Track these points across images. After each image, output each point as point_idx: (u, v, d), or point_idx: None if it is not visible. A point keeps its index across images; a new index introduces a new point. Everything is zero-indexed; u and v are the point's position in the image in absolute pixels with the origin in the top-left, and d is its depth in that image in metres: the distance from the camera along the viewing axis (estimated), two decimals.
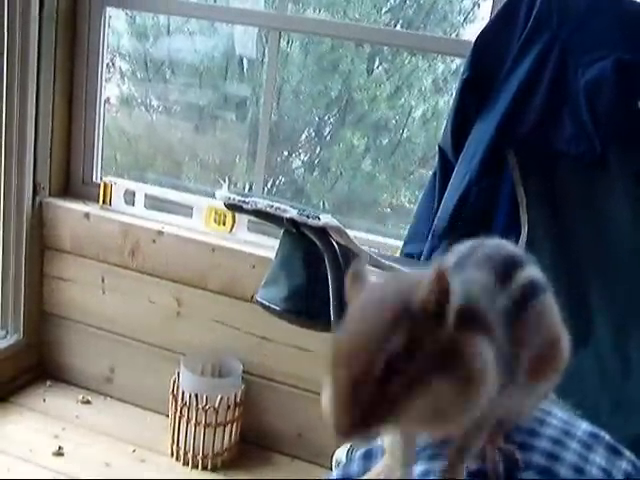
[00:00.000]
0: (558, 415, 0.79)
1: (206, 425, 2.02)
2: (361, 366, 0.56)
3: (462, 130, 1.48)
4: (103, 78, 2.29)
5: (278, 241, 1.29)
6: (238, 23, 2.34)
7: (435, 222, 1.47)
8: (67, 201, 2.29)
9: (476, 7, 2.29)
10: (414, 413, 0.57)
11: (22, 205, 2.22)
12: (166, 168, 2.64)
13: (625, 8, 1.41)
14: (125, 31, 2.53)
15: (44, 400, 2.26)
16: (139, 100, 2.67)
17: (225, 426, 2.05)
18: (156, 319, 2.22)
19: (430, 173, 1.59)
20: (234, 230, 2.14)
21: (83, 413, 2.23)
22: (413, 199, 2.37)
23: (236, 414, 2.08)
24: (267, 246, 2.03)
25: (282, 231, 1.25)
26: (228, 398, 2.04)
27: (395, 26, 2.35)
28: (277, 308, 1.22)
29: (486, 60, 1.47)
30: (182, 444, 2.05)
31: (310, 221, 1.12)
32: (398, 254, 1.65)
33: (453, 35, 2.32)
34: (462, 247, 0.69)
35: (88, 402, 2.28)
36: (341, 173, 2.53)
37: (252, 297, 1.43)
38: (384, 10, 2.38)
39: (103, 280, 2.25)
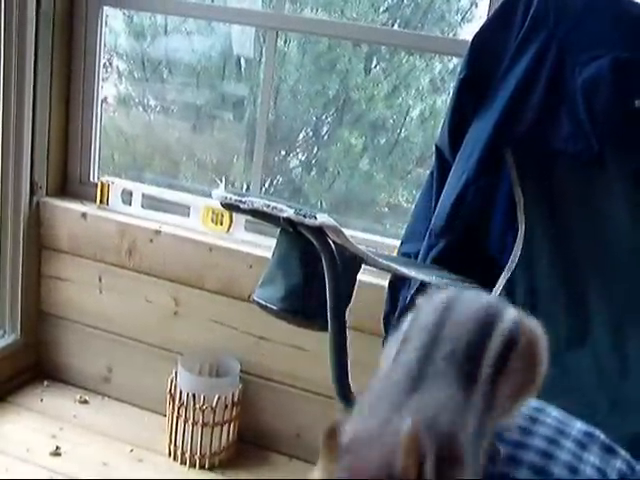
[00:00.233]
0: (553, 414, 0.79)
1: (203, 425, 2.02)
2: None
3: (459, 129, 1.48)
4: (100, 78, 2.29)
5: (275, 241, 1.29)
6: (235, 23, 2.34)
7: (432, 221, 1.47)
8: (64, 201, 2.28)
9: (473, 6, 2.28)
10: None
11: (19, 205, 2.21)
12: (163, 168, 2.64)
13: (622, 7, 1.41)
14: (122, 31, 2.53)
15: (41, 400, 2.26)
16: (136, 100, 2.67)
17: (223, 426, 2.05)
18: (153, 319, 2.22)
19: (428, 172, 1.59)
20: (231, 230, 2.13)
21: (80, 413, 2.23)
22: (411, 198, 2.37)
23: (234, 414, 2.07)
24: (264, 246, 2.02)
25: (279, 230, 1.25)
26: (226, 398, 2.03)
27: (392, 26, 2.35)
28: (274, 307, 1.22)
29: (483, 59, 1.47)
30: (180, 444, 2.05)
31: (307, 220, 1.12)
32: (395, 253, 1.65)
33: (451, 35, 2.32)
34: (424, 321, 0.68)
35: (86, 402, 2.28)
36: (339, 173, 2.53)
37: (249, 297, 1.43)
38: (381, 10, 2.38)
39: (100, 280, 2.25)
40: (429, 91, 2.45)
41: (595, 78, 1.36)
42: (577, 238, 1.38)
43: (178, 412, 2.04)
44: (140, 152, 2.70)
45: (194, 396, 2.00)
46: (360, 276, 1.27)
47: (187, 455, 2.05)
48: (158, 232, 2.16)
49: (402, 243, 1.59)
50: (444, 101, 2.32)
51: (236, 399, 2.07)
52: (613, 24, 1.40)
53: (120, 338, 2.26)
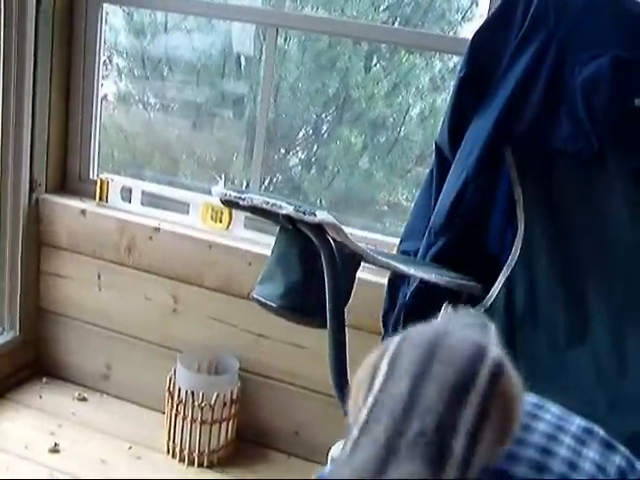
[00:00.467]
0: (552, 410, 0.79)
1: (202, 422, 2.02)
2: None
3: (459, 128, 1.48)
4: (100, 75, 2.29)
5: (274, 238, 1.29)
6: (235, 20, 2.34)
7: (432, 219, 1.47)
8: (64, 198, 2.28)
9: (474, 5, 2.28)
10: None
11: (18, 202, 2.21)
12: (163, 165, 2.64)
13: (622, 6, 1.41)
14: (122, 28, 2.53)
15: (40, 397, 2.26)
16: (136, 97, 2.67)
17: (221, 423, 2.05)
18: (152, 316, 2.22)
19: (427, 171, 1.59)
20: (231, 227, 2.14)
21: (79, 410, 2.23)
22: (410, 197, 2.37)
23: (232, 411, 2.08)
24: (264, 243, 2.02)
25: (278, 228, 1.25)
26: (224, 395, 2.03)
27: (393, 24, 2.35)
28: (273, 305, 1.22)
29: (483, 58, 1.47)
30: (178, 441, 2.05)
31: (306, 217, 1.12)
32: (395, 252, 1.65)
33: (451, 34, 2.32)
34: (398, 387, 0.66)
35: (84, 399, 2.28)
36: (338, 171, 2.53)
37: (249, 294, 1.43)
38: (382, 8, 2.38)
39: (99, 277, 2.25)
40: (429, 90, 2.45)
41: (595, 77, 1.36)
42: (577, 236, 1.38)
43: (177, 409, 2.04)
44: (140, 150, 2.70)
45: (193, 393, 2.00)
46: (359, 274, 1.26)
47: (186, 452, 2.05)
48: (157, 229, 2.16)
49: (401, 241, 1.59)
50: (444, 100, 2.32)
51: (235, 397, 2.07)
52: (613, 23, 1.40)
53: (119, 335, 2.26)
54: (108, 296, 2.26)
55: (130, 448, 2.07)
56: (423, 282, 1.37)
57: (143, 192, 2.24)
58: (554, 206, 1.40)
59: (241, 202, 1.18)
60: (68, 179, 2.34)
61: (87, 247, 2.24)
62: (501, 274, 1.37)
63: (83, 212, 2.23)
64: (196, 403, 2.00)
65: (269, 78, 2.13)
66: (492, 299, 1.36)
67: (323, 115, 2.52)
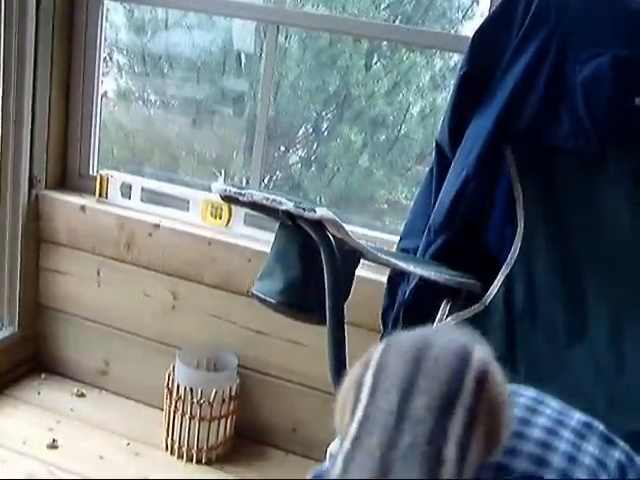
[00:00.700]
0: (552, 404, 0.79)
1: (201, 419, 2.02)
2: None
3: (459, 126, 1.48)
4: (100, 72, 2.29)
5: (274, 235, 1.29)
6: (236, 17, 2.33)
7: (432, 217, 1.47)
8: (63, 194, 2.28)
9: (475, 3, 2.28)
10: None
11: (18, 198, 2.21)
12: (163, 162, 2.64)
13: (623, 5, 1.41)
14: (123, 25, 2.53)
15: (39, 393, 2.26)
16: (137, 94, 2.66)
17: (220, 420, 2.05)
18: (151, 312, 2.22)
19: (427, 170, 1.59)
20: (230, 224, 2.14)
21: (78, 406, 2.23)
22: (410, 195, 2.37)
23: (231, 408, 2.08)
24: (263, 240, 2.02)
25: (278, 224, 1.25)
26: (223, 392, 2.04)
27: (394, 22, 2.35)
28: (273, 301, 1.22)
29: (484, 56, 1.47)
30: (177, 438, 2.05)
31: (306, 214, 1.12)
32: (394, 249, 1.65)
33: (452, 32, 2.32)
34: (387, 401, 0.66)
35: (83, 395, 2.28)
36: (338, 169, 2.53)
37: (248, 291, 1.43)
38: (383, 6, 2.38)
39: (99, 273, 2.25)
40: (429, 88, 2.44)
41: (595, 75, 1.36)
42: (576, 235, 1.38)
43: (175, 406, 2.04)
44: (140, 146, 2.70)
45: (191, 390, 2.00)
46: (358, 271, 1.26)
47: (184, 449, 2.05)
48: (157, 226, 2.16)
49: (401, 239, 1.59)
50: (444, 98, 2.32)
51: (233, 393, 2.07)
52: (614, 22, 1.40)
53: (118, 331, 2.27)
54: (107, 292, 2.26)
55: (128, 444, 2.08)
56: (422, 280, 1.38)
57: (143, 188, 2.24)
58: (554, 204, 1.40)
59: (241, 198, 1.18)
60: (68, 175, 2.34)
61: (87, 243, 2.24)
62: (500, 272, 1.37)
63: (83, 208, 2.23)
64: (195, 400, 2.01)
65: (269, 75, 2.13)
66: (491, 297, 1.36)
67: (323, 113, 2.51)
